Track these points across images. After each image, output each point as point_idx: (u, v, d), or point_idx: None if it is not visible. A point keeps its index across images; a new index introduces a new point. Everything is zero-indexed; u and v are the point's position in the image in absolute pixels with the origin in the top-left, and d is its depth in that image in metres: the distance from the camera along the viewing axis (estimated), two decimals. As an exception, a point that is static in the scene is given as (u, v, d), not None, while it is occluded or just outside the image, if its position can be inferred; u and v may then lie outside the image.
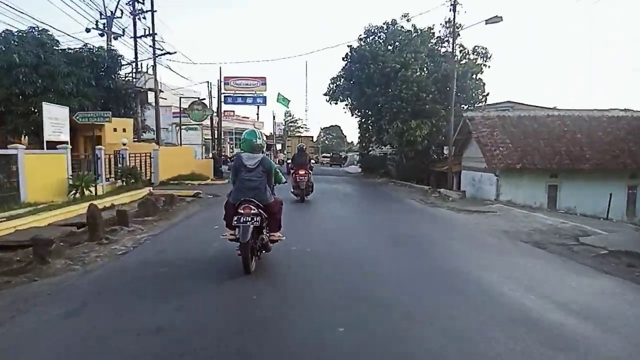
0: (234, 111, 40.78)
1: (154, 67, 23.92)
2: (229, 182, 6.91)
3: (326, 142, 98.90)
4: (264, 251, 5.66)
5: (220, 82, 34.86)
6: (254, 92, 36.13)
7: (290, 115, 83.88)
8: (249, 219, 5.07)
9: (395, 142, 23.65)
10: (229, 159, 30.99)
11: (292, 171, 13.49)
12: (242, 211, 5.12)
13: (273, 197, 5.54)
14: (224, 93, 35.48)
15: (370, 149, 36.38)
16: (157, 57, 24.00)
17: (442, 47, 27.60)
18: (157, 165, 20.42)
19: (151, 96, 24.67)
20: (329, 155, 67.48)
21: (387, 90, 24.15)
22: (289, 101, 43.62)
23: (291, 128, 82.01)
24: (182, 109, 28.04)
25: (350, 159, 62.49)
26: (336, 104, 30.68)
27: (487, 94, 25.45)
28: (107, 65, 19.81)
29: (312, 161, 15.24)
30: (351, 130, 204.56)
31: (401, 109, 23.30)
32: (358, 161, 38.96)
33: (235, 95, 35.83)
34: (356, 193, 19.02)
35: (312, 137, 79.82)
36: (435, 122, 23.05)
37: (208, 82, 34.61)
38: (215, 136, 35.10)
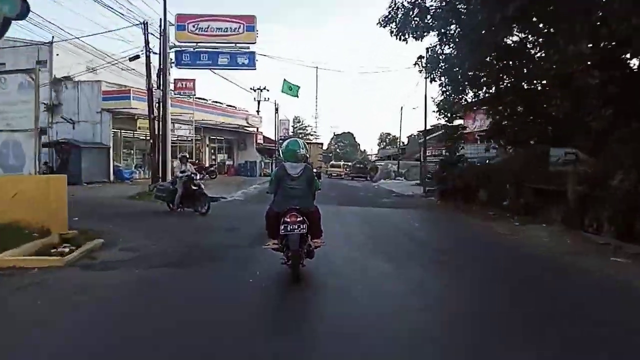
0: (194, 80, 22.38)
1: None
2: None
3: (338, 150, 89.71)
4: (307, 258, 5.51)
5: (166, 22, 17.46)
6: (232, 45, 18.60)
7: (299, 122, 76.56)
8: (296, 227, 5.09)
9: None
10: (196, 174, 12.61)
11: None
12: (288, 220, 5.11)
13: (314, 205, 5.58)
14: (174, 47, 18.09)
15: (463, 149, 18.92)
16: None
17: None
18: None
19: None
20: (339, 164, 49.55)
21: None
22: (298, 88, 26.59)
23: (300, 135, 69.24)
24: None
25: (383, 170, 44.81)
26: (418, 39, 12.79)
27: None
28: None
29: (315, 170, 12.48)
30: (365, 138, 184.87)
31: None
32: (436, 174, 20.76)
33: (197, 49, 18.30)
34: None
35: (322, 144, 72.81)
36: None
37: (144, 22, 17.27)
38: (157, 130, 17.58)
